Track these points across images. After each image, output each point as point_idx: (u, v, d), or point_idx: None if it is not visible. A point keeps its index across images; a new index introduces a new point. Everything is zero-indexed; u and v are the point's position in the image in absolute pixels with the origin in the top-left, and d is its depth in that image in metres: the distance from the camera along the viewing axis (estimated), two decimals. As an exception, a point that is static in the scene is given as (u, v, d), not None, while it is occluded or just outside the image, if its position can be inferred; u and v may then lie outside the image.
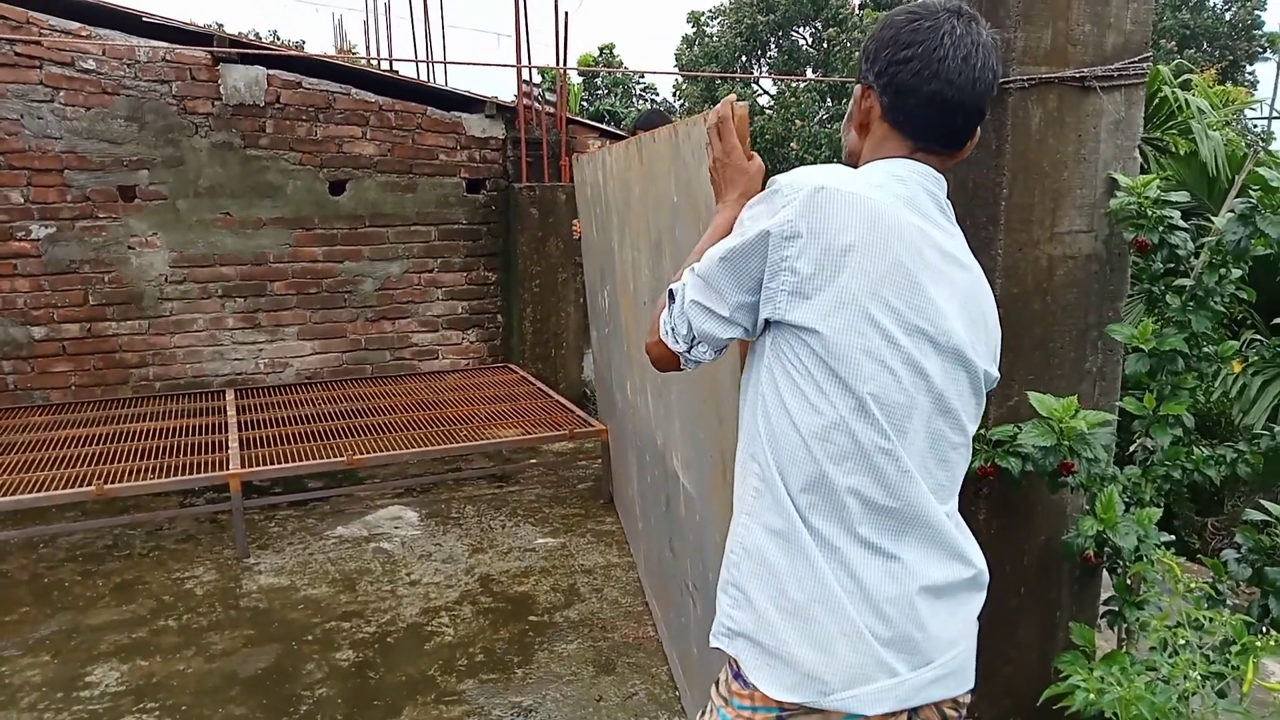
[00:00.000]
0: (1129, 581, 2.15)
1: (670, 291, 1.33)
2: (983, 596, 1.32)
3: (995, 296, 2.05)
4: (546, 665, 3.02)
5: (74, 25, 4.88)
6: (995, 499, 2.15)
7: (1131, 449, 2.35)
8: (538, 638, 3.20)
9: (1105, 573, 2.33)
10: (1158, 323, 2.18)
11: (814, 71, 21.14)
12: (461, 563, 3.82)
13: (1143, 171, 2.19)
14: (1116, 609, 2.16)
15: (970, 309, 1.24)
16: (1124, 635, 2.20)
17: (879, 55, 1.26)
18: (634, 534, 3.74)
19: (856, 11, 20.57)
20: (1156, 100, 5.90)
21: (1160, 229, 2.07)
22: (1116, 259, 2.18)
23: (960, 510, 2.21)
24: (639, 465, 3.37)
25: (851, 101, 1.33)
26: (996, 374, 1.33)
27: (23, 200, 4.93)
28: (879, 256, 1.16)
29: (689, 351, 1.31)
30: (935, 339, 1.19)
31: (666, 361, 1.36)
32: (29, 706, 2.78)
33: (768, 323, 1.24)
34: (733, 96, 1.50)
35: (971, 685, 1.29)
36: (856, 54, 17.98)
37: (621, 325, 3.47)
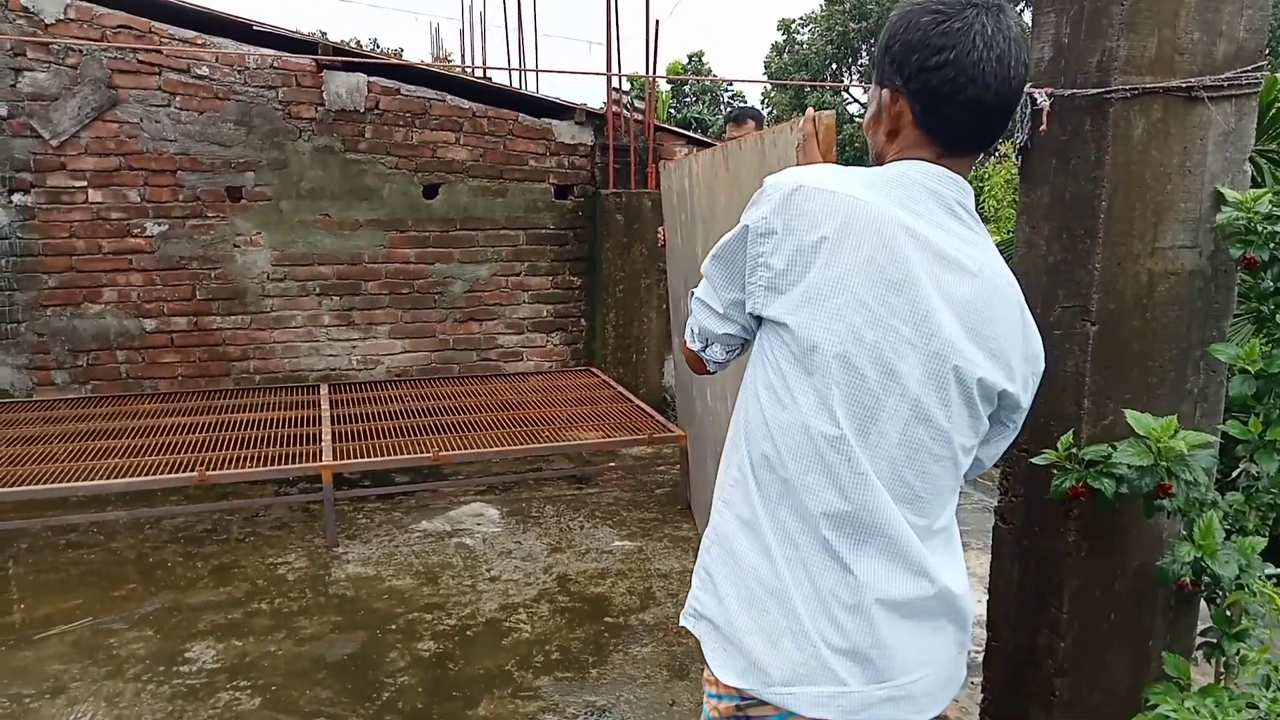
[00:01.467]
0: (1228, 612, 2.06)
1: (691, 293, 1.37)
2: (960, 630, 1.27)
3: (1091, 312, 2.01)
4: (621, 667, 3.05)
5: (190, 34, 5.14)
6: (1086, 521, 2.09)
7: (1234, 475, 2.26)
8: (613, 639, 3.23)
9: (1203, 603, 2.24)
10: (1266, 343, 2.08)
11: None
12: (540, 561, 3.89)
13: (1254, 185, 2.10)
14: (1214, 641, 2.07)
15: (970, 317, 1.17)
16: (1222, 669, 2.11)
17: (907, 59, 1.18)
18: (711, 540, 3.74)
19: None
20: (1272, 110, 5.63)
21: (1271, 245, 1.98)
22: (1222, 276, 2.10)
23: (1049, 531, 2.15)
24: (718, 472, 3.38)
25: (874, 102, 1.28)
26: (1017, 395, 1.24)
27: (139, 199, 5.21)
28: (850, 253, 1.14)
29: (704, 350, 1.35)
30: (912, 341, 1.15)
31: (694, 363, 1.40)
32: (134, 677, 2.94)
33: (759, 319, 1.25)
34: (814, 111, 1.51)
35: (931, 714, 1.24)
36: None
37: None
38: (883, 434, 1.16)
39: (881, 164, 1.28)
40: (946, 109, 1.18)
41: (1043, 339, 2.15)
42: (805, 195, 1.18)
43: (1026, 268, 2.20)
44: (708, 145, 6.40)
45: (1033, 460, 2.09)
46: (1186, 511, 2.00)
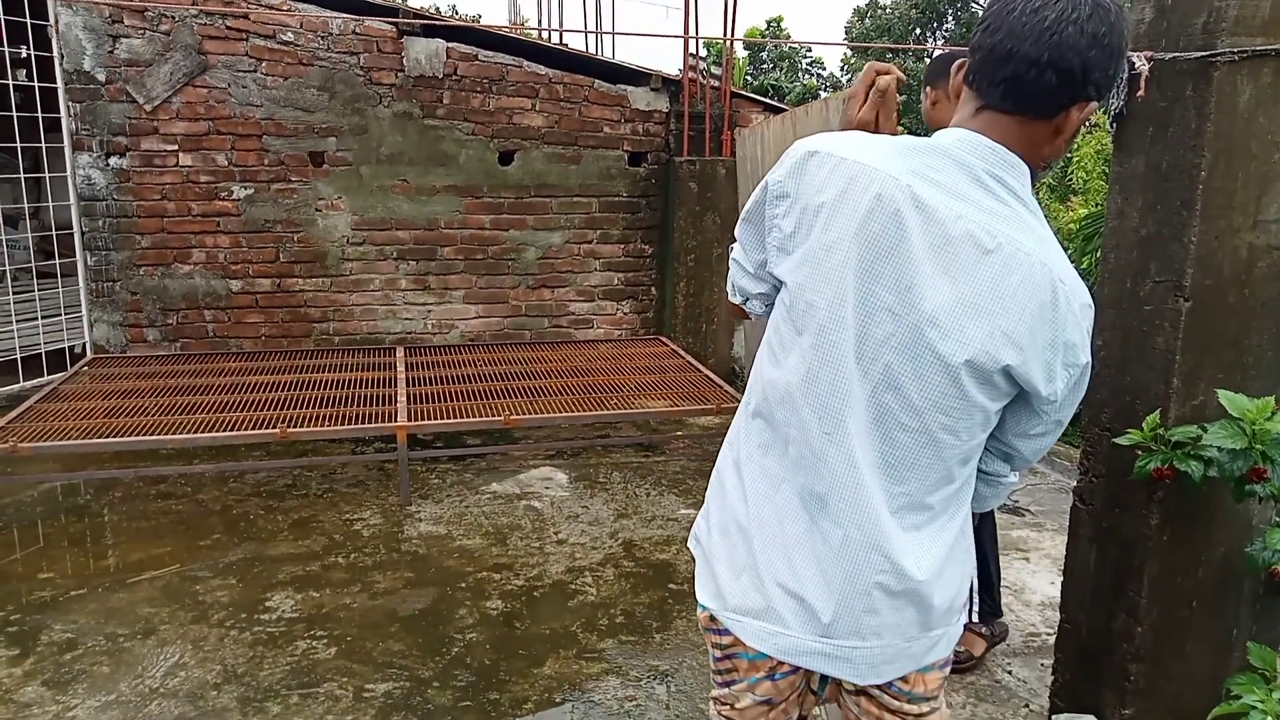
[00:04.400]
0: (1321, 604, 1.97)
1: (730, 249, 1.43)
2: (921, 612, 1.26)
3: (1185, 287, 1.92)
4: (684, 634, 3.07)
5: (276, 0, 5.25)
6: (1170, 504, 2.01)
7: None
8: (676, 605, 3.26)
9: (1293, 593, 2.15)
10: (1376, 324, 1.97)
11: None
12: (606, 526, 3.93)
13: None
14: (1304, 632, 1.99)
15: (975, 293, 1.14)
16: (1311, 662, 2.02)
17: (979, 25, 1.22)
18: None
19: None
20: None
21: (1386, 220, 1.87)
22: (1331, 252, 1.98)
23: (1130, 513, 2.08)
24: (787, 443, 3.35)
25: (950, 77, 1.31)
26: (1033, 380, 1.18)
27: (226, 163, 5.37)
28: (846, 218, 1.17)
29: (744, 304, 1.42)
30: (893, 309, 1.17)
31: (735, 312, 1.47)
32: (218, 623, 3.08)
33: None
34: (874, 67, 1.45)
35: (870, 681, 1.29)
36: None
37: (776, 302, 3.45)
38: (858, 394, 1.20)
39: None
40: (978, 55, 1.20)
41: (1131, 315, 2.07)
42: (817, 161, 1.22)
43: (1117, 240, 2.11)
44: (780, 110, 6.29)
45: (1116, 440, 2.03)
46: (1280, 498, 1.91)
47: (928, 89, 3.47)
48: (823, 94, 21.51)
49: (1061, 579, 2.37)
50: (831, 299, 1.19)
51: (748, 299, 1.40)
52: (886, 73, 1.38)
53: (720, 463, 1.42)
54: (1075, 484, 2.30)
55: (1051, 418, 1.26)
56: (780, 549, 1.27)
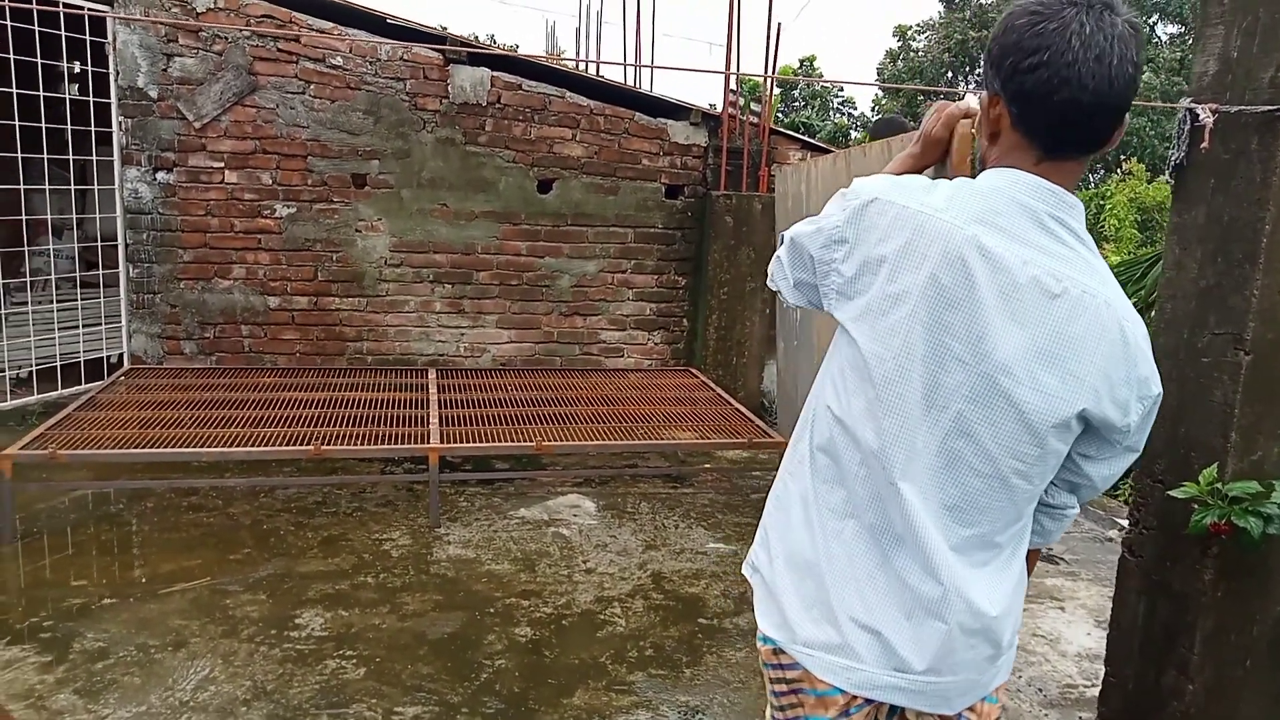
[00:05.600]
0: (1379, 669, 1.93)
1: (782, 235, 1.43)
2: (992, 648, 1.28)
3: (1245, 340, 1.90)
4: (715, 669, 3.04)
5: (327, 25, 5.35)
6: (1227, 560, 1.98)
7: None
8: (707, 640, 3.23)
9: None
10: None
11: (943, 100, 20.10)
12: (635, 557, 3.90)
13: None
14: (1361, 698, 1.94)
15: (1045, 339, 1.15)
16: (1367, 728, 1.97)
17: (1003, 62, 1.18)
18: (809, 550, 3.70)
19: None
20: None
21: None
22: (1394, 310, 1.96)
23: (1182, 568, 2.05)
24: (823, 481, 3.33)
25: (979, 107, 1.29)
26: (1108, 417, 1.18)
27: (271, 182, 5.45)
28: (911, 270, 1.17)
29: (778, 293, 1.45)
30: (963, 359, 1.16)
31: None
32: (248, 638, 3.08)
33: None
34: (943, 105, 1.44)
35: (943, 711, 1.29)
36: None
37: (813, 339, 3.44)
38: (924, 443, 1.20)
39: (984, 167, 1.29)
40: (1041, 111, 1.17)
41: (1188, 366, 2.06)
42: (878, 208, 1.21)
43: (1174, 290, 2.10)
44: (821, 149, 6.34)
45: (1170, 493, 2.00)
46: (1342, 558, 1.88)
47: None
48: (853, 134, 21.62)
49: (1099, 630, 2.33)
50: (898, 350, 1.18)
51: (779, 292, 1.45)
52: (967, 115, 1.38)
53: (781, 492, 1.39)
54: (1123, 535, 2.27)
55: (1123, 445, 1.26)
56: (852, 584, 1.26)
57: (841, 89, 23.71)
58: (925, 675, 1.25)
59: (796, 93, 22.87)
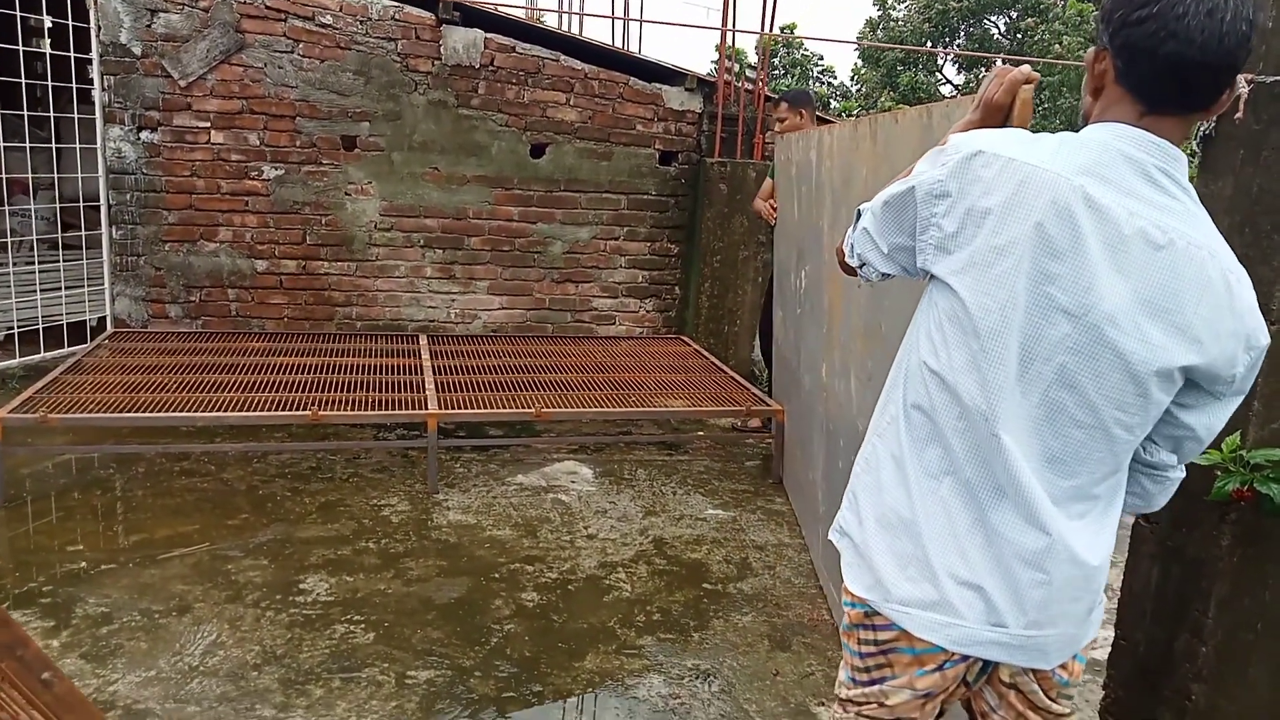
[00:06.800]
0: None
1: (859, 210, 1.44)
2: (1093, 597, 1.30)
3: (1272, 310, 1.92)
4: (722, 634, 3.07)
5: (317, -19, 5.22)
6: (1244, 526, 2.02)
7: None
8: (712, 605, 3.25)
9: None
10: None
11: (1002, 63, 20.11)
12: (635, 523, 3.92)
13: None
14: (1368, 659, 2.00)
15: (1151, 291, 1.15)
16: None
17: (1113, 15, 1.18)
18: (811, 517, 3.73)
19: (1059, 2, 19.43)
20: None
21: None
22: None
23: (1198, 533, 2.09)
24: (828, 450, 3.35)
25: (1085, 63, 1.29)
26: (1213, 369, 1.19)
27: (258, 143, 5.34)
28: (1017, 221, 1.16)
29: (860, 269, 1.45)
30: (1069, 309, 1.16)
31: (846, 269, 1.51)
32: (253, 603, 3.06)
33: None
34: (1005, 69, 1.42)
35: (1040, 665, 1.31)
36: (1055, 47, 16.71)
37: (824, 306, 3.44)
38: (1025, 395, 1.21)
39: (1087, 122, 1.28)
40: (1145, 65, 1.17)
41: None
42: (983, 160, 1.20)
43: (1198, 260, 2.11)
44: (820, 119, 6.30)
45: (1193, 460, 2.03)
46: (1364, 524, 1.92)
47: (785, 107, 4.28)
48: (833, 103, 21.55)
49: (1108, 595, 2.37)
50: (1003, 302, 1.19)
51: (862, 265, 1.43)
52: (1029, 81, 1.37)
53: (870, 454, 1.39)
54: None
55: (1229, 392, 1.26)
56: (951, 540, 1.26)
57: (821, 58, 23.59)
58: (1026, 630, 1.26)
59: (777, 60, 22.71)
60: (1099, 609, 1.36)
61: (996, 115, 1.40)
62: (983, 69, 19.04)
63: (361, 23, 5.30)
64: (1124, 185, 1.17)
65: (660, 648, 2.95)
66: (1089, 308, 1.16)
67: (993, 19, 21.49)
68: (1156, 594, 2.23)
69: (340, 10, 5.27)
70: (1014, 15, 20.82)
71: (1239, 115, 1.94)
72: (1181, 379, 1.21)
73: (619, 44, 7.24)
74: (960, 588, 1.26)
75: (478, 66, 5.50)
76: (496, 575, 3.37)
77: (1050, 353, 1.19)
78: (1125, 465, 1.30)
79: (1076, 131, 1.26)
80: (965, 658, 1.30)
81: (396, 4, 5.34)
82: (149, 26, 5.06)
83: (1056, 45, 17.44)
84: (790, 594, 3.37)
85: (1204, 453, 2.00)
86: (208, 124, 5.26)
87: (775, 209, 4.60)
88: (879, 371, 2.69)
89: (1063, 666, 1.33)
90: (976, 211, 1.20)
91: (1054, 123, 17.07)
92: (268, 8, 5.17)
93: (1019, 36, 20.18)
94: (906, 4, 22.71)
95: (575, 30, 7.71)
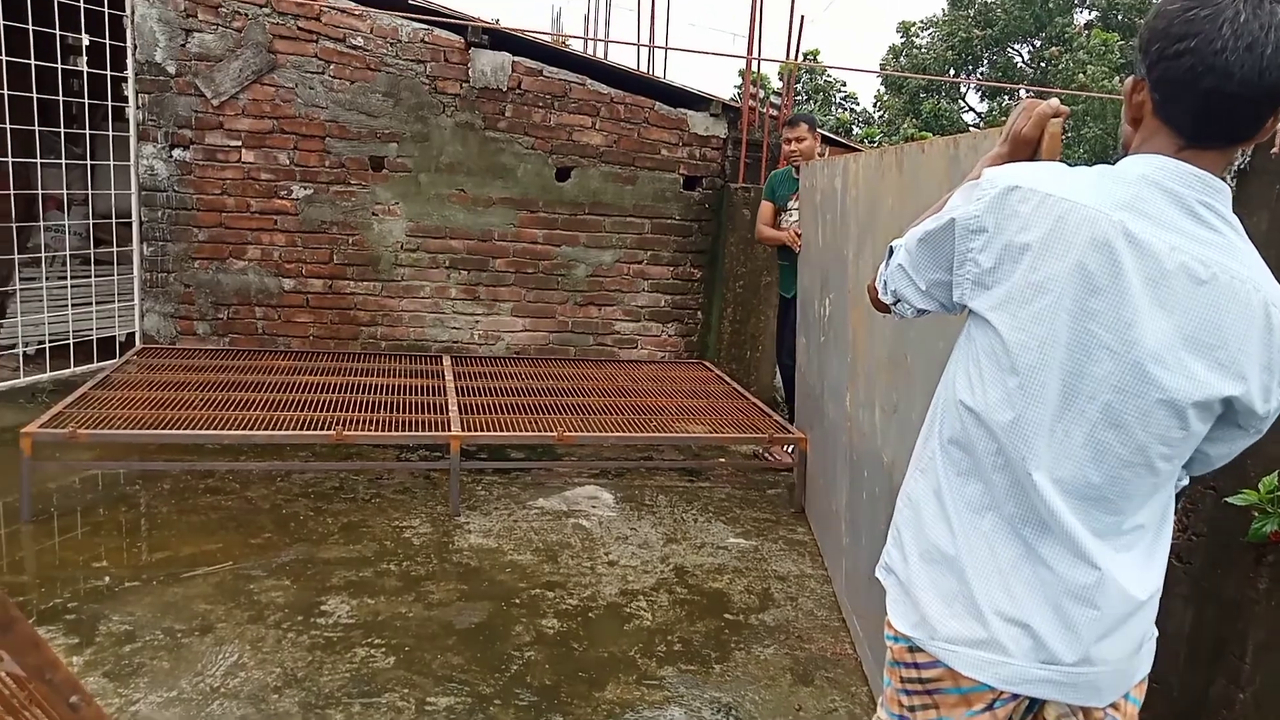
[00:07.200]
0: None
1: (891, 247, 1.43)
2: (1136, 629, 1.27)
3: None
4: (744, 666, 3.04)
5: (349, 4, 5.29)
6: (1283, 569, 1.98)
7: None
8: (734, 636, 3.22)
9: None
10: None
11: (1028, 95, 20.07)
12: (656, 550, 3.89)
13: None
14: None
15: (1193, 327, 1.14)
16: None
17: (1150, 48, 1.17)
18: (834, 548, 3.69)
19: (1083, 31, 19.41)
20: None
21: None
22: None
23: (1234, 575, 2.05)
24: (852, 480, 3.32)
25: (1124, 93, 1.26)
26: (1250, 403, 1.17)
27: (288, 162, 5.40)
28: (1056, 258, 1.15)
29: (894, 305, 1.44)
30: (1111, 347, 1.15)
31: (879, 306, 1.50)
32: (275, 624, 3.05)
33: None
34: (1033, 103, 1.41)
35: (1093, 703, 1.27)
36: (1079, 76, 16.62)
37: (847, 335, 3.43)
38: (1067, 433, 1.19)
39: (1126, 153, 1.27)
40: (1185, 98, 1.16)
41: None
42: (1020, 196, 1.19)
43: (1235, 299, 2.09)
44: (845, 146, 6.31)
45: (1228, 500, 2.00)
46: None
47: (805, 128, 4.45)
48: (855, 129, 21.58)
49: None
50: (1043, 339, 1.17)
51: (897, 301, 1.42)
52: (1057, 115, 1.36)
53: (911, 489, 1.38)
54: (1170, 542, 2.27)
55: (1258, 429, 1.26)
56: (996, 577, 1.25)
57: (844, 84, 23.65)
58: (1077, 666, 1.24)
59: (799, 86, 22.78)
60: (1150, 642, 1.33)
61: (1025, 149, 1.39)
62: (1006, 98, 19.04)
63: (392, 45, 5.37)
64: (1164, 219, 1.15)
65: (681, 679, 2.92)
66: (1131, 344, 1.15)
67: (1016, 47, 21.48)
68: (1191, 637, 2.19)
69: (371, 32, 5.33)
70: (1038, 44, 20.81)
71: (1275, 149, 1.92)
72: (1220, 409, 1.20)
73: (644, 69, 7.29)
74: (1007, 624, 1.24)
75: (505, 89, 5.55)
76: (517, 601, 3.35)
77: (1095, 390, 1.17)
78: (1169, 489, 1.28)
79: (1104, 161, 1.25)
80: (1015, 696, 1.27)
81: (426, 27, 5.40)
82: (183, 46, 5.14)
83: (1081, 74, 17.39)
84: (813, 626, 3.33)
85: (1240, 493, 1.98)
86: (239, 143, 5.32)
87: (799, 234, 4.60)
88: (904, 403, 2.67)
89: (1114, 706, 1.30)
90: (1014, 247, 1.19)
91: (1079, 151, 17.01)
92: (300, 29, 5.24)
93: (1043, 65, 20.14)
94: (930, 31, 22.76)
95: (601, 56, 7.77)
